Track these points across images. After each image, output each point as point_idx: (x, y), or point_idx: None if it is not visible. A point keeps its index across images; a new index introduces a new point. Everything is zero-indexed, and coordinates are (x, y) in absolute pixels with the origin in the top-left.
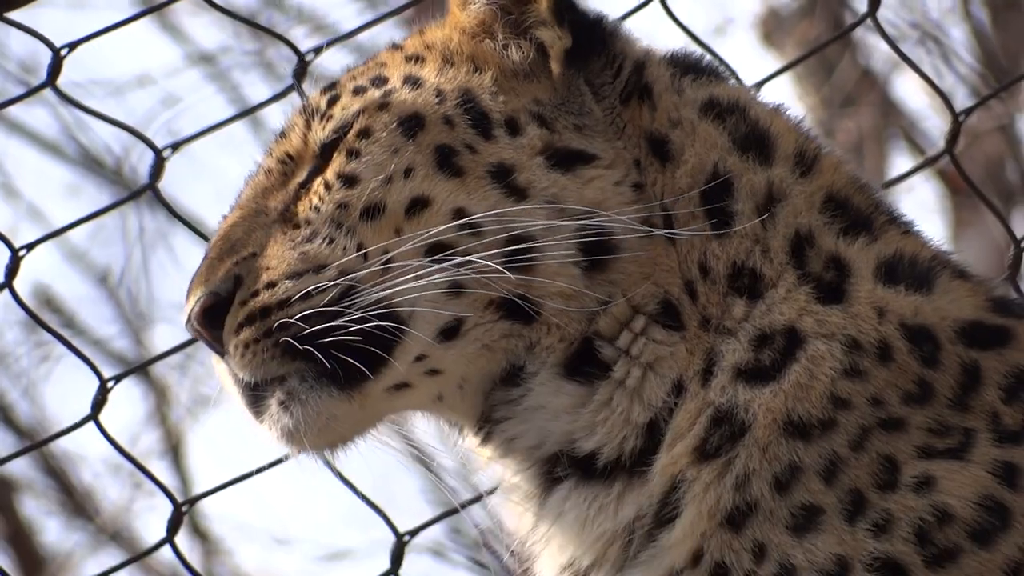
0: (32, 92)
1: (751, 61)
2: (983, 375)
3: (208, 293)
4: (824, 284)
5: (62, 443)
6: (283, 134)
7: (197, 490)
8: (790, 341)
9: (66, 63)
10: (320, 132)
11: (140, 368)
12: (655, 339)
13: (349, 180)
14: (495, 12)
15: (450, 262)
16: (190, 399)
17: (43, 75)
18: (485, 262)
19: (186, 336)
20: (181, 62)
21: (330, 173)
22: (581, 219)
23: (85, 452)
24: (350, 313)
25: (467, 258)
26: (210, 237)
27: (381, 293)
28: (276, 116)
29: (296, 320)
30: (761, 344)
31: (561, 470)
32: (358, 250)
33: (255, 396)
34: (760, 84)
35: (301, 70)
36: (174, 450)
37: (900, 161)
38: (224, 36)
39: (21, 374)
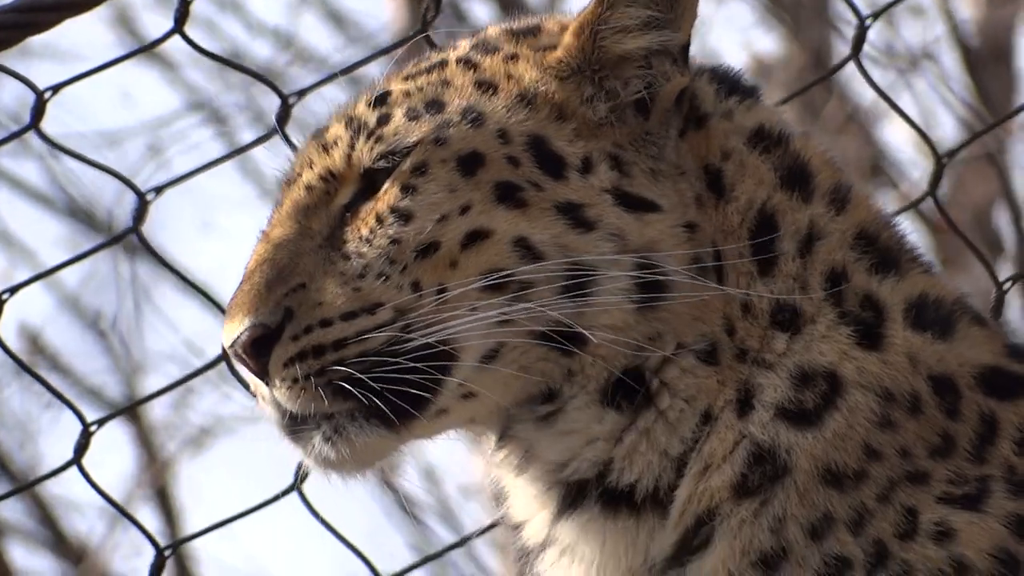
0: (15, 135)
1: None
2: (999, 428)
3: (257, 324)
4: (863, 327)
5: (57, 489)
6: (324, 146)
7: (187, 533)
8: (831, 386)
9: (57, 112)
10: (367, 154)
11: (124, 411)
12: (697, 375)
13: (404, 216)
14: (599, 47)
15: (508, 295)
16: (179, 443)
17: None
18: (546, 297)
19: (171, 380)
20: (176, 108)
21: (383, 205)
22: (640, 255)
23: (80, 498)
24: (404, 357)
25: (525, 290)
26: (197, 284)
27: (436, 336)
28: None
29: (351, 363)
30: (803, 384)
31: (591, 500)
32: (413, 288)
33: (297, 427)
34: None
35: (284, 114)
36: (162, 494)
37: (886, 205)
38: (221, 84)
39: (14, 419)
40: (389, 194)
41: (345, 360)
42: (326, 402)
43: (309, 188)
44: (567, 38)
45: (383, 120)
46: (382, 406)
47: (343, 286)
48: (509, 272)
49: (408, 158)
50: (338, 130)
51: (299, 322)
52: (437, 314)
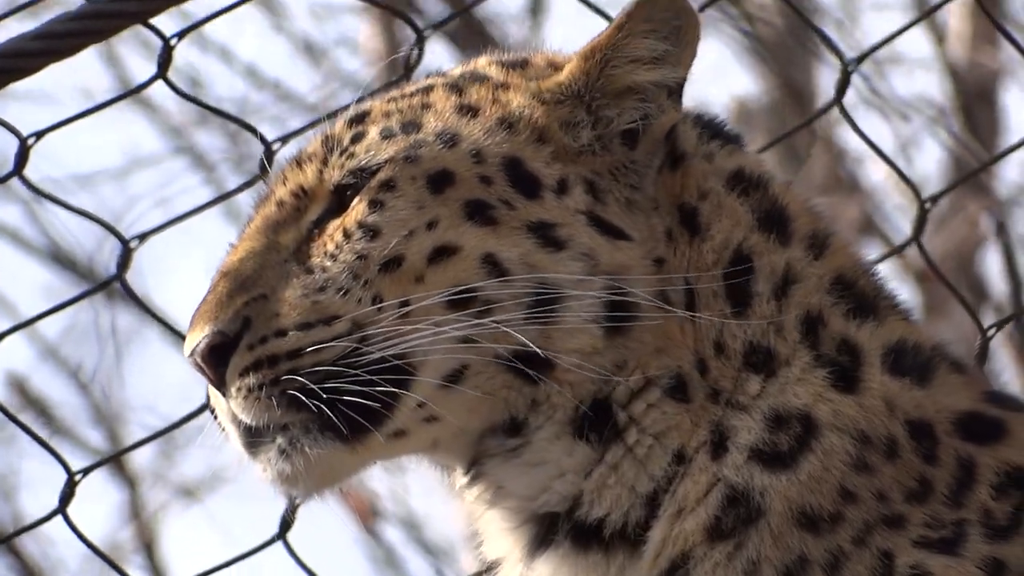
0: None
1: None
2: (977, 472)
3: (215, 332)
4: (840, 370)
5: (42, 545)
6: (299, 162)
7: None
8: (806, 429)
9: (43, 159)
10: (337, 171)
11: (109, 460)
12: (665, 411)
13: (370, 231)
14: (596, 81)
15: (472, 310)
16: (165, 494)
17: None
18: (511, 314)
19: (157, 428)
20: (163, 153)
21: (350, 221)
22: (610, 277)
23: (63, 553)
24: (360, 370)
25: (490, 306)
26: (183, 332)
27: (393, 349)
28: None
29: (305, 373)
30: (777, 426)
31: (561, 535)
32: (373, 302)
33: (253, 439)
34: None
35: (268, 159)
36: (147, 546)
37: (871, 252)
38: (204, 127)
39: None
40: (356, 210)
41: (299, 370)
42: (278, 412)
43: (280, 203)
44: (574, 61)
45: (357, 138)
46: (333, 418)
47: (302, 298)
48: (473, 287)
49: (377, 175)
50: (315, 147)
51: (256, 332)
52: (397, 328)
